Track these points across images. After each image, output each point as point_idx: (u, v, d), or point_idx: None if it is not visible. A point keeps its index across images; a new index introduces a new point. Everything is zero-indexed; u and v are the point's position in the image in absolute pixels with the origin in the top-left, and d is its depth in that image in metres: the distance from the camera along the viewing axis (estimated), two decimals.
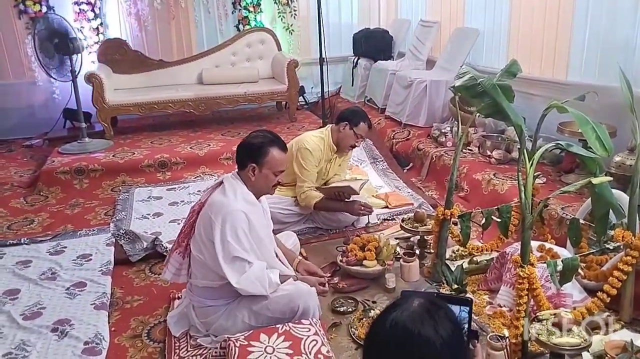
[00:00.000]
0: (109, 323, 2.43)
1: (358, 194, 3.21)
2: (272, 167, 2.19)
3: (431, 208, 3.49)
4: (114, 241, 3.19)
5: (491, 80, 2.01)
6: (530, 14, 4.19)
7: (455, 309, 1.24)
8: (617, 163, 2.93)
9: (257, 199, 2.23)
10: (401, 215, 3.27)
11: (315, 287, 2.27)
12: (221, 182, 2.20)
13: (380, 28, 6.31)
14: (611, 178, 1.94)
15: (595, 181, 1.81)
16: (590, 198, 2.22)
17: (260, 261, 2.12)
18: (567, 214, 2.81)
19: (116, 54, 5.48)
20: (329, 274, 2.68)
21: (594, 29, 3.59)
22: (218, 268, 2.05)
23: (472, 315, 1.41)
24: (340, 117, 3.26)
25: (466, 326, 1.23)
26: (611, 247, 2.39)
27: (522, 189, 1.90)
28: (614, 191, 2.09)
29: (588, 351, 1.91)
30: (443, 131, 4.44)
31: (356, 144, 3.27)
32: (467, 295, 2.47)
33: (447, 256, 2.71)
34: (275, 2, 6.30)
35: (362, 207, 3.19)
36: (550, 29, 3.98)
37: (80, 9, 5.55)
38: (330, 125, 3.36)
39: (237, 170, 2.24)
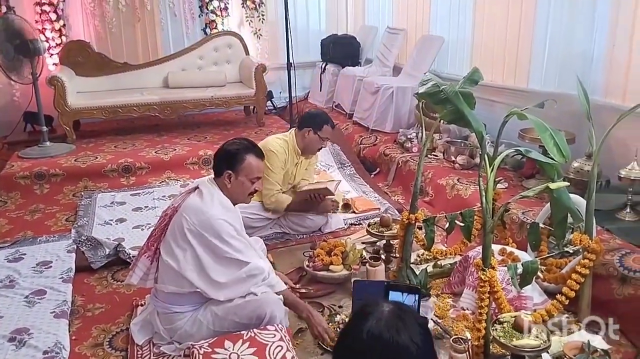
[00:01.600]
0: (69, 331, 2.37)
1: (334, 194, 3.25)
2: (248, 174, 2.21)
3: (397, 213, 3.53)
4: (75, 247, 3.11)
5: (453, 88, 2.05)
6: (493, 23, 4.30)
7: (408, 297, 1.32)
8: (576, 169, 3.02)
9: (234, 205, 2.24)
10: (368, 220, 3.29)
11: (314, 329, 2.22)
12: (196, 187, 2.18)
13: (348, 34, 6.37)
14: (568, 183, 1.99)
15: (552, 186, 1.86)
16: (549, 203, 2.28)
17: (262, 259, 2.18)
18: (527, 219, 2.88)
19: (79, 57, 5.37)
20: (296, 280, 2.68)
21: (553, 40, 3.71)
22: (197, 272, 2.05)
23: (428, 310, 1.47)
24: (302, 123, 3.28)
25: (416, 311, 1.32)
26: (570, 251, 2.46)
27: (483, 193, 1.94)
28: (572, 195, 2.15)
29: (547, 353, 1.96)
30: (409, 136, 4.50)
31: (323, 146, 3.32)
32: (431, 299, 2.51)
33: (412, 260, 2.74)
34: (243, 6, 6.28)
35: (332, 204, 3.28)
36: (512, 38, 4.09)
37: (42, 9, 5.41)
38: (294, 128, 3.37)
39: (212, 176, 2.24)
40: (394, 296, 1.36)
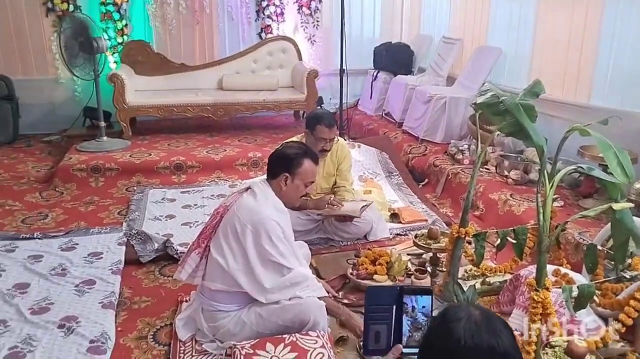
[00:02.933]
0: (115, 322, 2.42)
1: (359, 217, 3.19)
2: (304, 178, 2.24)
3: (445, 226, 3.45)
4: (126, 240, 3.19)
5: (514, 99, 1.99)
6: (555, 35, 4.16)
7: (423, 298, 1.32)
8: (638, 190, 2.88)
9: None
10: (414, 231, 3.23)
11: (353, 330, 2.21)
12: (249, 187, 2.21)
13: (402, 42, 6.31)
14: (632, 204, 1.89)
15: (616, 206, 1.77)
16: (609, 224, 2.17)
17: (303, 266, 2.16)
18: (584, 239, 2.75)
19: (139, 56, 5.55)
20: (339, 287, 2.67)
21: (619, 54, 3.56)
22: (242, 273, 2.07)
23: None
24: (305, 125, 3.25)
25: (426, 311, 1.32)
26: (628, 276, 2.33)
27: (541, 211, 1.87)
28: (634, 218, 2.05)
29: None
30: (460, 148, 4.41)
31: (325, 147, 3.19)
32: None
33: (460, 276, 2.67)
34: (299, 12, 6.33)
35: (330, 201, 3.17)
36: (574, 52, 3.95)
37: (106, 9, 5.62)
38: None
39: (265, 177, 2.26)
40: (408, 299, 1.34)
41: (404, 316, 1.32)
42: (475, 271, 2.75)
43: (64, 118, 5.66)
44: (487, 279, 2.71)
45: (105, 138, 4.89)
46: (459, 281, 2.63)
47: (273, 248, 2.06)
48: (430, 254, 2.86)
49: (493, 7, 5.05)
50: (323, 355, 1.89)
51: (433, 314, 1.36)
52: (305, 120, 3.32)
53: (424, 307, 1.34)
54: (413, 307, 1.34)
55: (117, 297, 2.63)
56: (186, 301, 2.52)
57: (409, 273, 2.72)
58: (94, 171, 4.32)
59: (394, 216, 3.66)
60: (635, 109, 3.34)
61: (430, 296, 1.34)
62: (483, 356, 1.05)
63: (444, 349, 1.10)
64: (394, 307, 1.32)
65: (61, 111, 5.76)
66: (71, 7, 5.49)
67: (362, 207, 3.22)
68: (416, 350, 1.28)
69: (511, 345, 1.08)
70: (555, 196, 3.24)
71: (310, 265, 2.81)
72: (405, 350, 1.35)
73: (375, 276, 2.65)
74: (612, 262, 2.42)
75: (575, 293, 1.90)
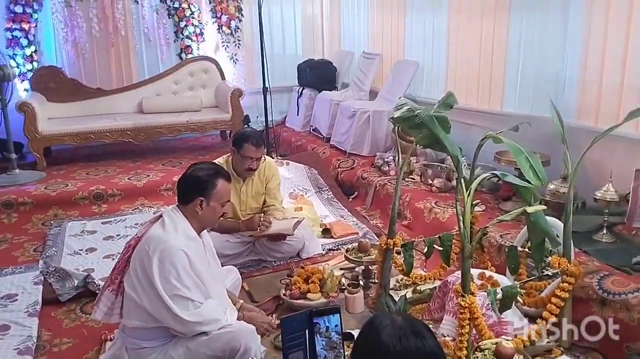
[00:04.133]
0: None
1: (292, 234, 3.17)
2: (220, 199, 2.17)
3: (376, 237, 3.49)
4: (43, 279, 2.99)
5: (428, 112, 2.04)
6: (466, 48, 4.36)
7: (335, 317, 1.37)
8: (552, 191, 3.03)
9: (199, 233, 2.17)
10: (346, 244, 3.24)
11: (260, 328, 2.23)
12: (160, 216, 2.12)
13: (324, 59, 6.40)
14: (545, 207, 1.98)
15: (529, 209, 1.84)
16: (526, 226, 2.27)
17: (208, 298, 2.05)
18: (505, 242, 2.86)
19: (51, 82, 5.28)
20: (273, 309, 2.62)
21: (526, 63, 3.77)
22: (156, 306, 1.96)
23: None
24: (232, 143, 3.22)
25: (338, 330, 1.36)
26: (550, 274, 2.44)
27: (461, 218, 1.91)
28: (549, 218, 2.14)
29: None
30: (386, 159, 4.49)
31: (251, 166, 3.15)
32: None
33: (392, 286, 2.70)
34: (218, 32, 6.27)
35: (262, 221, 3.12)
36: (485, 62, 4.14)
37: (12, 35, 5.32)
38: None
39: (177, 204, 2.17)
40: (321, 321, 1.37)
41: (317, 337, 1.34)
42: (406, 280, 2.79)
43: None
44: (418, 288, 2.76)
45: (17, 171, 4.59)
46: (392, 291, 2.65)
47: (177, 281, 1.96)
48: (362, 267, 2.87)
49: (408, 23, 5.22)
50: None
51: (344, 331, 1.41)
52: (233, 139, 3.25)
53: (336, 326, 1.37)
54: (327, 327, 1.37)
55: (35, 341, 2.45)
56: (110, 339, 2.38)
57: (342, 288, 2.71)
58: (6, 206, 4.03)
59: (326, 231, 3.66)
60: (544, 114, 3.54)
61: (338, 314, 1.38)
62: (411, 357, 1.10)
63: (375, 356, 1.13)
64: (307, 331, 1.34)
65: None
66: None
67: (295, 223, 3.19)
68: None
69: (435, 345, 1.14)
70: (477, 201, 3.36)
71: (242, 289, 2.75)
72: None
73: (308, 295, 2.62)
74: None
75: (499, 296, 1.96)
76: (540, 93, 3.60)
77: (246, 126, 6.17)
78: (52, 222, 3.97)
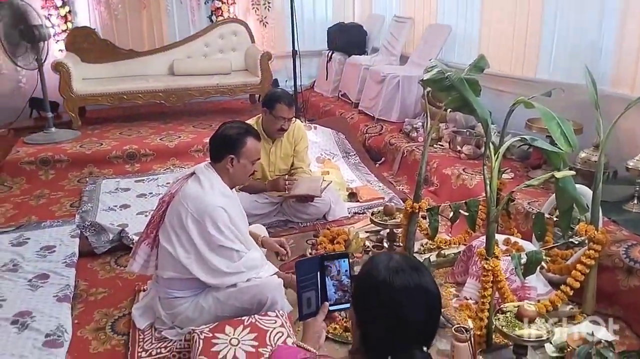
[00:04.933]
0: (72, 315, 2.38)
1: (320, 196, 3.20)
2: (250, 157, 2.21)
3: (402, 202, 3.50)
4: (79, 232, 3.11)
5: (458, 74, 2.02)
6: (501, 12, 4.24)
7: (344, 262, 1.49)
8: (583, 159, 2.99)
9: (232, 189, 2.23)
10: (372, 209, 3.27)
11: (279, 251, 2.42)
12: (193, 173, 2.17)
13: (355, 23, 6.31)
14: (574, 172, 1.97)
15: (558, 175, 1.84)
16: (555, 193, 2.26)
17: (251, 249, 2.17)
18: (533, 209, 2.85)
19: (84, 43, 5.36)
20: None
21: (562, 29, 3.66)
22: (191, 260, 2.05)
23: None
24: (262, 104, 3.23)
25: (348, 274, 1.45)
26: (576, 242, 2.43)
27: (488, 182, 1.92)
28: (578, 186, 2.13)
29: (551, 343, 1.95)
30: (415, 126, 4.47)
31: (283, 126, 3.16)
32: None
33: (416, 249, 2.73)
34: None
35: (287, 182, 3.20)
36: (520, 27, 4.03)
37: None
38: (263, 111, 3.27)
39: (209, 162, 2.22)
40: (332, 264, 1.46)
41: (328, 279, 1.44)
42: (430, 244, 2.81)
43: (10, 110, 5.41)
44: (442, 252, 2.78)
45: (53, 129, 4.72)
46: (415, 254, 2.68)
47: (220, 234, 2.04)
48: (387, 230, 2.90)
49: None
50: (282, 334, 1.91)
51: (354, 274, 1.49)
52: (264, 99, 3.25)
53: (346, 271, 1.47)
54: (338, 271, 1.47)
55: (73, 290, 2.58)
56: (143, 290, 2.49)
57: (367, 249, 2.76)
58: (43, 164, 4.18)
59: (352, 196, 3.69)
60: (579, 81, 3.45)
61: (347, 259, 1.48)
62: (410, 291, 1.11)
63: (374, 291, 1.15)
64: (318, 274, 1.44)
65: (6, 103, 5.50)
66: None
67: (322, 185, 3.23)
68: (341, 306, 1.48)
69: (432, 281, 1.15)
70: (506, 168, 3.34)
71: None
72: (331, 308, 1.49)
73: None
74: None
75: (523, 260, 1.97)
76: (575, 60, 3.50)
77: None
78: (87, 179, 4.11)
